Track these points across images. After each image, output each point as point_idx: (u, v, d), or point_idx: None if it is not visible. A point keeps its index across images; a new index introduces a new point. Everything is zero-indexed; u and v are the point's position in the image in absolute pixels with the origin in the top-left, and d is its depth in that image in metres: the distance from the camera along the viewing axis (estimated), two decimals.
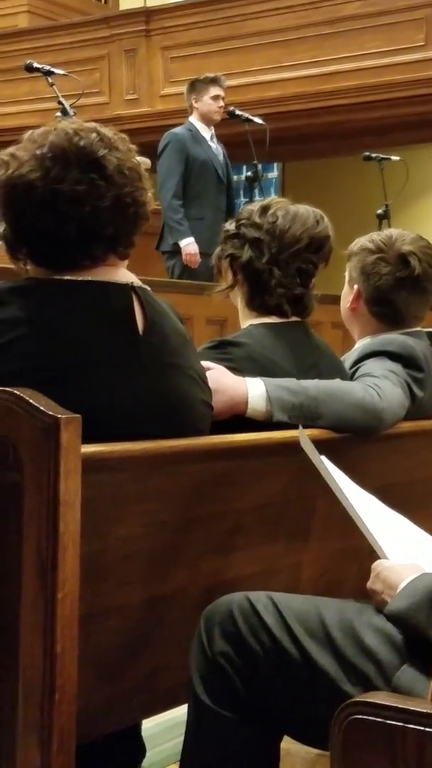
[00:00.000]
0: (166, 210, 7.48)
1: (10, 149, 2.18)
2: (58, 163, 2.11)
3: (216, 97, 7.76)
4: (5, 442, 1.77)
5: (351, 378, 2.81)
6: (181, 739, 2.08)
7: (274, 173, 13.33)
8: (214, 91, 7.76)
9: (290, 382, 2.51)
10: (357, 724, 1.46)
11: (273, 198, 2.91)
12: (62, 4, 12.61)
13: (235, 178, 8.27)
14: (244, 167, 8.71)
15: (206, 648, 2.01)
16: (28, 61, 6.93)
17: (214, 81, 7.79)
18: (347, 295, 3.11)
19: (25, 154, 2.14)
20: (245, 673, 1.97)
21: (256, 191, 7.86)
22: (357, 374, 2.82)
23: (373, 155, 8.02)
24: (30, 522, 1.76)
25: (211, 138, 7.84)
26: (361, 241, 3.09)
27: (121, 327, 2.12)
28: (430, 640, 1.86)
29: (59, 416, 1.75)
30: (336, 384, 2.60)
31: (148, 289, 2.23)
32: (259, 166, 7.81)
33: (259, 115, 7.86)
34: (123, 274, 2.20)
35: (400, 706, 1.45)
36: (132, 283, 2.18)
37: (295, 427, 2.35)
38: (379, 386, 2.64)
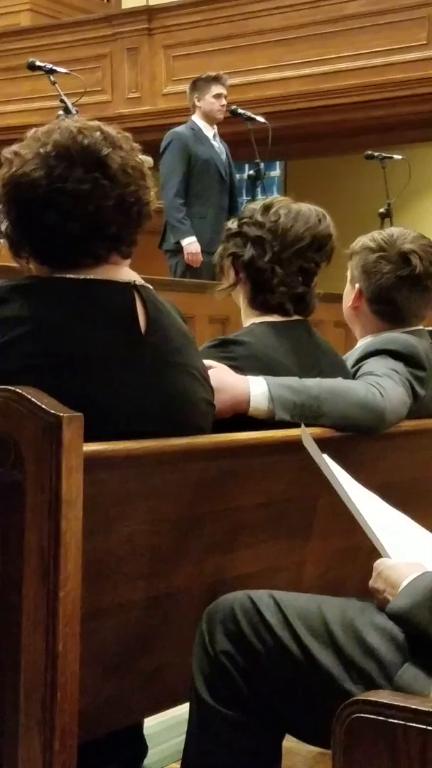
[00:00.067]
0: (168, 209, 7.48)
1: (14, 147, 2.18)
2: (62, 162, 2.11)
3: (218, 96, 7.75)
4: (7, 441, 1.77)
5: (353, 377, 2.81)
6: (183, 737, 2.08)
7: (276, 172, 13.33)
8: (216, 89, 7.76)
9: (292, 381, 2.51)
10: (359, 723, 1.47)
11: (275, 197, 2.91)
12: (64, 2, 12.60)
13: (237, 176, 8.27)
14: (247, 166, 8.72)
15: (208, 646, 2.01)
16: (31, 60, 6.92)
17: (216, 79, 7.79)
18: (349, 294, 3.11)
19: (28, 152, 2.14)
20: (247, 671, 1.98)
21: (259, 190, 7.86)
22: (359, 373, 2.82)
23: (375, 154, 8.01)
24: (32, 520, 1.77)
25: (214, 137, 7.83)
26: (363, 240, 3.08)
27: (123, 326, 2.12)
28: None
29: (61, 414, 1.75)
30: (338, 383, 2.60)
31: (151, 287, 2.23)
32: (262, 165, 7.81)
33: (262, 114, 7.85)
34: (125, 272, 2.20)
35: (402, 704, 1.45)
36: (134, 281, 2.18)
37: (297, 425, 2.35)
38: (382, 385, 2.64)
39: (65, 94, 6.68)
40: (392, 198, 8.05)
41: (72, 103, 6.61)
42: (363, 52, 9.86)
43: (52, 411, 1.75)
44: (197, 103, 7.79)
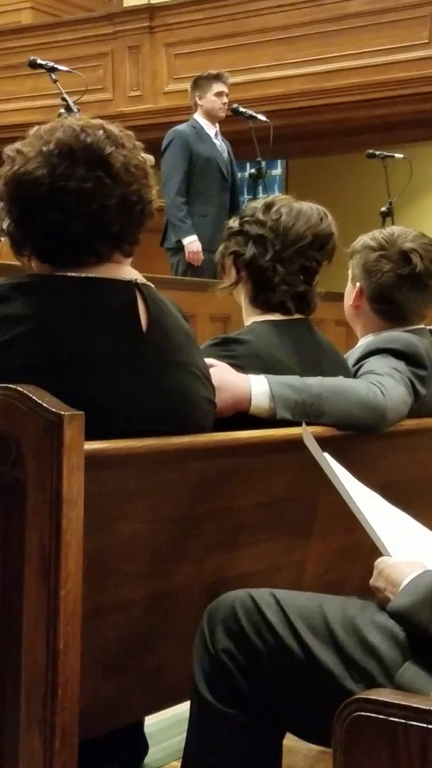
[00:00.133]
0: (169, 207, 7.48)
1: (16, 145, 2.17)
2: (65, 161, 2.11)
3: (219, 94, 7.75)
4: (8, 439, 1.77)
5: (354, 375, 2.81)
6: (184, 736, 2.08)
7: (277, 170, 13.32)
8: (218, 87, 7.76)
9: (294, 380, 2.51)
10: (360, 721, 1.47)
11: (277, 195, 2.91)
12: (66, 0, 12.60)
13: (238, 175, 8.27)
14: (248, 164, 8.72)
15: (209, 645, 2.02)
16: (32, 58, 6.92)
17: (218, 77, 7.79)
18: (350, 293, 3.11)
19: (31, 150, 2.13)
20: (248, 670, 1.98)
21: (260, 188, 7.87)
22: (360, 372, 2.82)
23: (377, 153, 8.01)
24: (33, 519, 1.77)
25: (216, 135, 7.83)
26: (364, 239, 3.09)
27: (124, 324, 2.12)
28: None
29: (62, 413, 1.75)
30: (339, 381, 2.60)
31: (152, 286, 2.22)
32: (263, 164, 7.81)
33: (263, 113, 7.85)
34: (127, 271, 2.20)
35: (403, 703, 1.45)
36: (135, 280, 2.18)
37: (298, 424, 2.35)
38: (383, 384, 2.64)
39: (66, 93, 6.68)
40: (394, 197, 8.04)
41: (73, 102, 6.62)
42: (365, 50, 9.85)
43: (53, 409, 1.75)
44: (199, 102, 7.80)
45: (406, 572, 1.97)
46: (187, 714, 2.09)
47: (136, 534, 2.07)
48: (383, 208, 8.03)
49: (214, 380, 2.36)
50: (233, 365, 2.50)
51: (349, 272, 3.12)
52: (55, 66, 6.88)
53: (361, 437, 2.59)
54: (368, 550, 2.16)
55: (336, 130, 10.69)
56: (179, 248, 7.57)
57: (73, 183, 2.10)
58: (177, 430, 2.13)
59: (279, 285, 2.70)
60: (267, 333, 2.66)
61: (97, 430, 1.86)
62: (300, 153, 12.00)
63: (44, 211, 2.11)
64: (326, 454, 2.21)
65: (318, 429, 2.45)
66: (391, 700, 1.46)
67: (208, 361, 2.40)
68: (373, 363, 2.84)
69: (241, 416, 2.45)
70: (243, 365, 2.52)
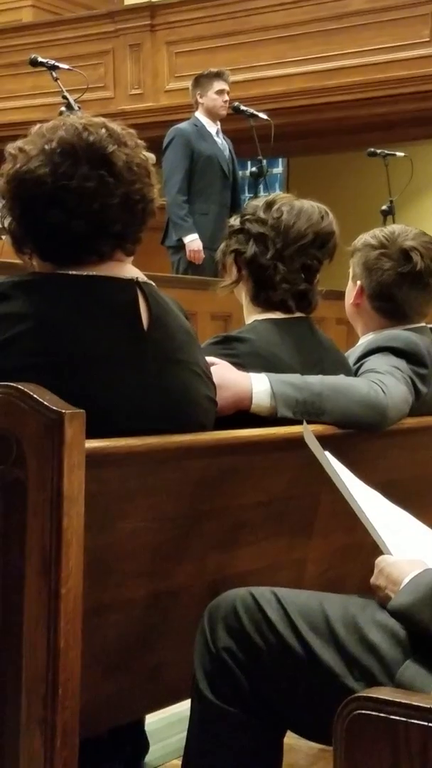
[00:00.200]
0: (170, 206, 7.48)
1: (18, 143, 2.17)
2: (67, 159, 2.10)
3: (220, 92, 7.76)
4: (9, 438, 1.77)
5: (355, 374, 2.81)
6: (185, 734, 2.09)
7: (278, 169, 13.31)
8: (219, 85, 7.76)
9: (294, 378, 2.51)
10: (360, 720, 1.47)
11: (278, 193, 2.91)
12: None
13: (239, 173, 8.27)
14: (249, 163, 8.70)
15: (210, 643, 2.02)
16: (33, 56, 6.91)
17: (218, 75, 7.79)
18: (351, 291, 3.11)
19: (33, 148, 2.13)
20: (249, 668, 1.98)
21: (261, 187, 7.85)
22: (361, 370, 2.82)
23: (378, 151, 8.01)
24: (34, 517, 1.77)
25: (217, 133, 7.84)
26: (365, 237, 3.09)
27: (125, 322, 2.12)
28: None
29: (63, 411, 1.75)
30: (340, 380, 2.60)
31: (153, 284, 2.22)
32: (264, 162, 7.80)
33: (264, 111, 7.84)
34: (128, 269, 2.20)
35: (404, 701, 1.45)
36: (137, 278, 2.18)
37: (299, 422, 2.35)
38: (384, 382, 2.64)
39: (67, 91, 6.68)
40: (395, 195, 8.04)
41: (74, 100, 6.61)
42: (366, 49, 9.85)
43: (54, 408, 1.75)
44: (200, 100, 7.80)
45: (407, 571, 1.97)
46: (188, 712, 2.09)
47: (136, 532, 2.07)
48: (384, 207, 8.03)
49: (215, 378, 2.36)
50: (234, 364, 2.50)
51: (350, 271, 3.12)
52: (56, 64, 6.87)
53: (362, 436, 2.59)
54: (369, 548, 2.16)
55: (337, 128, 10.68)
56: (180, 246, 7.57)
57: (76, 182, 2.09)
58: (178, 428, 2.13)
59: (280, 283, 2.70)
60: (268, 331, 2.66)
61: (98, 428, 1.86)
62: (301, 151, 12.00)
63: (46, 210, 2.11)
64: (327, 453, 2.20)
65: (319, 427, 2.45)
66: (391, 699, 1.46)
67: (209, 359, 2.40)
68: (373, 361, 2.84)
69: (242, 414, 2.45)
70: (244, 364, 2.52)
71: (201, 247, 7.45)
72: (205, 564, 2.28)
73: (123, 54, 11.25)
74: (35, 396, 1.76)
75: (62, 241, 2.12)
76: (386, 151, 8.05)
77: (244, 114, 7.72)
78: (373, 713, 1.46)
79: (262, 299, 2.74)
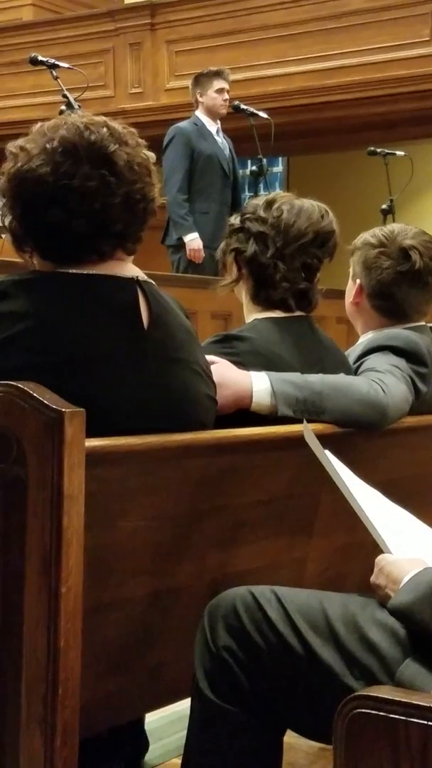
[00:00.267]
0: (171, 205, 7.47)
1: (19, 141, 2.16)
2: (68, 158, 2.10)
3: (220, 91, 7.75)
4: (9, 437, 1.77)
5: (355, 373, 2.81)
6: (185, 733, 2.09)
7: (279, 168, 13.30)
8: (219, 84, 7.76)
9: (295, 377, 2.51)
10: (360, 718, 1.47)
11: (278, 192, 2.91)
12: None
13: (240, 172, 8.26)
14: (249, 162, 8.71)
15: (210, 642, 2.02)
16: (33, 54, 6.91)
17: (218, 74, 7.79)
18: (350, 290, 3.12)
19: (34, 147, 2.12)
20: (249, 667, 1.98)
21: (261, 186, 7.85)
22: (361, 369, 2.82)
23: (378, 150, 8.01)
24: (34, 516, 1.77)
25: (217, 132, 7.83)
26: (365, 236, 3.09)
27: (125, 321, 2.12)
28: None
29: (63, 410, 1.75)
30: (340, 379, 2.60)
31: (153, 283, 2.22)
32: (264, 161, 7.80)
33: (264, 110, 7.85)
34: (129, 268, 2.20)
35: (404, 700, 1.45)
36: (137, 277, 2.18)
37: (299, 421, 2.35)
38: (384, 381, 2.64)
39: (68, 89, 6.68)
40: (395, 194, 8.04)
41: (74, 99, 6.61)
42: (366, 48, 9.85)
43: (54, 406, 1.75)
44: (200, 99, 7.79)
45: (407, 569, 1.97)
46: (188, 711, 2.09)
47: (137, 531, 2.07)
48: (384, 206, 8.03)
49: (216, 377, 2.36)
50: (234, 362, 2.50)
51: (350, 269, 3.12)
52: (57, 63, 6.87)
53: (362, 435, 2.59)
54: (369, 547, 2.16)
55: (337, 127, 10.68)
56: (180, 245, 7.56)
57: (77, 181, 2.09)
58: (178, 427, 2.13)
59: (280, 282, 2.70)
60: (268, 330, 2.66)
61: (98, 427, 1.86)
62: (301, 150, 12.00)
63: (47, 209, 2.10)
64: (327, 452, 2.20)
65: (319, 426, 2.45)
66: (391, 697, 1.46)
67: (210, 358, 2.40)
68: (373, 360, 2.84)
69: (243, 413, 2.45)
70: (244, 362, 2.52)
71: (201, 246, 7.45)
72: (205, 563, 2.28)
73: (123, 53, 11.25)
74: (35, 395, 1.76)
75: (63, 240, 2.12)
76: (386, 150, 8.05)
77: (244, 113, 7.72)
78: (373, 712, 1.46)
79: (262, 298, 2.74)
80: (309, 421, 2.33)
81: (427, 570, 1.95)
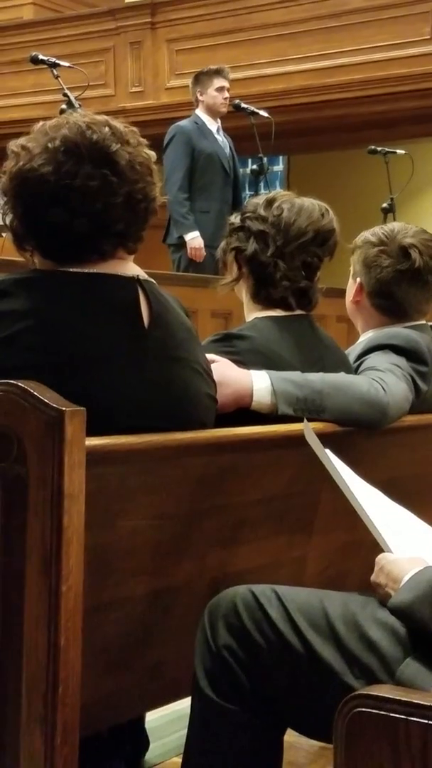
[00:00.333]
0: (171, 203, 7.47)
1: (21, 140, 2.16)
2: (70, 158, 2.10)
3: (221, 89, 7.75)
4: (10, 435, 1.77)
5: (355, 371, 2.81)
6: (185, 731, 2.09)
7: (279, 166, 13.31)
8: (219, 82, 7.76)
9: (295, 375, 2.51)
10: (361, 717, 1.47)
11: (278, 191, 2.91)
12: None
13: (240, 171, 8.26)
14: (250, 160, 8.71)
15: (210, 641, 2.02)
16: (34, 53, 6.91)
17: (218, 72, 7.78)
18: (351, 289, 3.12)
19: (36, 146, 2.12)
20: (249, 666, 1.98)
21: (262, 184, 7.85)
22: (361, 368, 2.82)
23: (378, 149, 8.00)
24: (34, 515, 1.77)
25: (218, 131, 7.83)
26: (365, 235, 3.09)
27: (126, 320, 2.12)
28: None
29: (64, 409, 1.75)
30: (341, 377, 2.60)
31: (154, 282, 2.22)
32: (265, 160, 7.80)
33: (265, 108, 7.84)
34: (129, 267, 2.19)
35: (404, 699, 1.45)
36: (138, 276, 2.18)
37: (299, 420, 2.35)
38: (384, 380, 2.64)
39: (68, 88, 6.67)
40: (395, 193, 8.03)
41: (75, 97, 6.61)
42: (366, 46, 9.84)
43: (54, 405, 1.75)
44: (200, 97, 7.79)
45: (407, 568, 1.97)
46: (188, 710, 2.09)
47: (137, 530, 2.07)
48: (385, 205, 8.02)
49: (216, 376, 2.36)
50: (235, 361, 2.50)
51: (351, 268, 3.12)
52: (57, 62, 6.86)
53: (362, 433, 2.59)
54: (369, 546, 2.16)
55: (337, 126, 10.67)
56: (181, 244, 7.56)
57: (79, 181, 2.09)
58: (178, 426, 2.13)
59: (280, 281, 2.70)
60: (268, 329, 2.66)
61: (99, 426, 1.86)
62: (301, 149, 11.99)
63: (49, 209, 2.10)
64: (328, 451, 2.20)
65: (319, 425, 2.45)
66: (392, 696, 1.46)
67: (210, 356, 2.40)
68: (374, 359, 2.84)
69: (243, 412, 2.45)
70: (244, 361, 2.52)
71: (202, 245, 7.45)
72: (205, 562, 2.28)
73: (124, 51, 11.24)
74: (36, 394, 1.76)
75: (64, 239, 2.12)
76: (387, 149, 8.05)
77: (244, 111, 7.72)
78: (374, 711, 1.46)
79: (262, 297, 2.74)
80: (309, 420, 2.33)
81: (427, 569, 1.95)
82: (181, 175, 7.53)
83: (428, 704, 1.43)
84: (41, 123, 2.18)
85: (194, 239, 7.48)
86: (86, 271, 2.11)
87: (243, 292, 2.80)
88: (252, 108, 7.75)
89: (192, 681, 2.05)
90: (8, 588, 1.79)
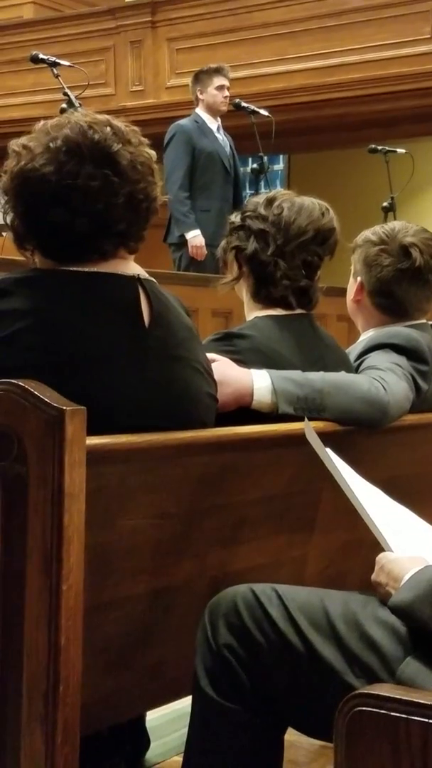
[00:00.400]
0: (172, 202, 7.47)
1: (22, 140, 2.16)
2: (72, 158, 2.09)
3: (221, 87, 7.75)
4: (10, 434, 1.77)
5: (356, 370, 2.81)
6: (185, 730, 2.09)
7: (279, 165, 13.31)
8: (219, 81, 7.76)
9: (296, 374, 2.51)
10: (361, 716, 1.47)
11: (279, 190, 2.91)
12: None
13: (241, 170, 8.26)
14: (250, 159, 8.70)
15: (211, 640, 2.02)
16: (34, 53, 6.91)
17: (218, 71, 7.78)
18: (351, 288, 3.12)
19: (38, 145, 2.12)
20: (249, 665, 1.98)
21: (262, 183, 7.85)
22: (362, 367, 2.82)
23: (379, 148, 8.00)
24: (35, 514, 1.77)
25: (218, 129, 7.83)
26: (366, 234, 3.09)
27: (127, 319, 2.12)
28: None
29: (64, 408, 1.75)
30: (341, 376, 2.60)
31: (155, 281, 2.22)
32: (265, 159, 7.80)
33: (265, 107, 7.84)
34: (130, 266, 2.19)
35: (404, 698, 1.45)
36: (138, 275, 2.18)
37: (300, 419, 2.35)
38: (385, 379, 2.64)
39: (68, 87, 6.67)
40: (396, 192, 8.04)
41: (75, 97, 6.61)
42: (366, 45, 9.84)
43: (55, 404, 1.75)
44: (200, 96, 7.79)
45: (408, 567, 1.96)
46: (189, 709, 2.09)
47: (137, 529, 2.07)
48: (385, 203, 8.03)
49: (217, 375, 2.36)
50: (235, 360, 2.50)
51: (351, 267, 3.12)
52: (57, 61, 6.86)
53: (363, 433, 2.59)
54: (370, 545, 2.16)
55: (337, 125, 10.68)
56: (182, 243, 7.56)
57: (81, 181, 2.09)
58: (179, 425, 2.13)
59: (281, 280, 2.70)
60: (269, 328, 2.66)
61: (99, 425, 1.86)
62: (302, 148, 12.00)
63: (50, 209, 2.10)
64: (328, 450, 2.20)
65: (320, 424, 2.45)
66: (392, 695, 1.46)
67: (211, 356, 2.40)
68: (374, 358, 2.84)
69: (243, 411, 2.45)
70: (245, 360, 2.52)
71: (203, 243, 7.45)
72: (205, 561, 2.28)
73: (124, 51, 11.24)
74: (36, 393, 1.76)
75: (65, 239, 2.12)
76: (387, 148, 8.05)
77: (244, 110, 7.72)
78: (374, 710, 1.46)
79: (262, 296, 2.74)
80: (310, 419, 2.33)
81: (427, 568, 1.95)
82: (181, 174, 7.53)
83: (428, 703, 1.43)
84: (42, 122, 2.18)
85: (195, 237, 7.48)
86: (87, 270, 2.11)
87: (243, 291, 2.80)
88: (252, 107, 7.75)
89: (192, 680, 2.05)
90: (8, 587, 1.79)
